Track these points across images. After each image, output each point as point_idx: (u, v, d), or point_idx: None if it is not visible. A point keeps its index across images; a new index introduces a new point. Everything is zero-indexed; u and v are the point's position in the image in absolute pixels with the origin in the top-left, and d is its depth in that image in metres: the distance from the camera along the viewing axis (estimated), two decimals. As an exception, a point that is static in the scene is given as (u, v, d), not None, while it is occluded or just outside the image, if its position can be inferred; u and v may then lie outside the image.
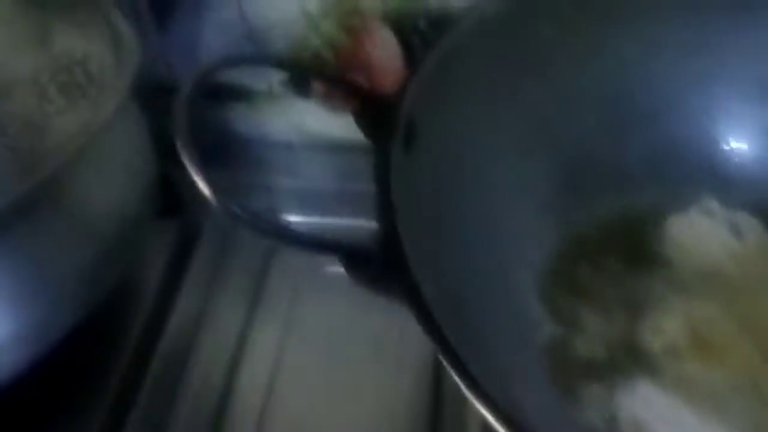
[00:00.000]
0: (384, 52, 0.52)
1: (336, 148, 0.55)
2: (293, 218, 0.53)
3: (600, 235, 0.45)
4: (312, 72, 0.52)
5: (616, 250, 0.44)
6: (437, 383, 0.45)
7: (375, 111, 0.37)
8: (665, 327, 0.40)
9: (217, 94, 0.54)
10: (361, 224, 0.45)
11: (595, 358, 0.40)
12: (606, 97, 0.47)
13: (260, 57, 0.51)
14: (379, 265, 0.31)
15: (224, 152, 0.55)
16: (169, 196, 0.50)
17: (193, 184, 0.52)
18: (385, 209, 0.33)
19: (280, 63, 0.49)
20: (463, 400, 0.28)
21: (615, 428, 0.37)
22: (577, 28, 0.45)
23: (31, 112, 0.32)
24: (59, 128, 0.32)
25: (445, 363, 0.29)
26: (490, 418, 0.28)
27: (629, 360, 0.39)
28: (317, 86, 0.52)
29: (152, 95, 0.55)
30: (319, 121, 0.54)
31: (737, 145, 0.47)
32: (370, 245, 0.31)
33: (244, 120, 0.56)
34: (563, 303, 0.42)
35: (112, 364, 0.43)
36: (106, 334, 0.44)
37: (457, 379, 0.29)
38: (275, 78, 0.53)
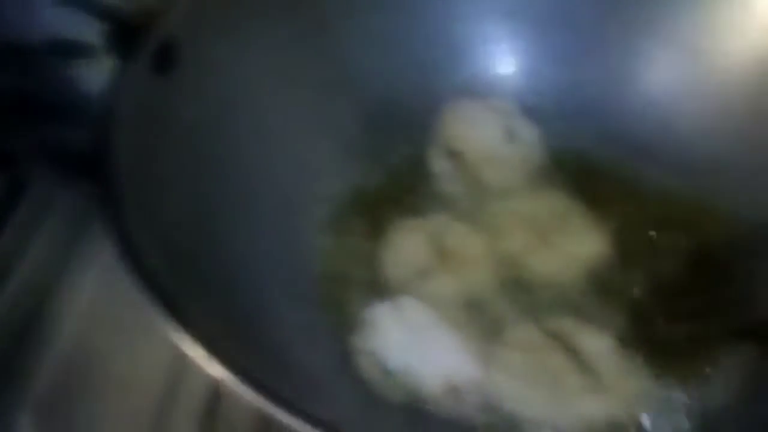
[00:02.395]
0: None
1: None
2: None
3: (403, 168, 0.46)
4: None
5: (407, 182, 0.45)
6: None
7: (130, 32, 0.38)
8: (405, 250, 0.41)
9: (58, 51, 0.55)
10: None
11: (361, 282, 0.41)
12: (413, 38, 0.48)
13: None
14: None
15: (72, 110, 0.57)
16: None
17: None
18: (106, 120, 0.34)
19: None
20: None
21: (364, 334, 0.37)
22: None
23: None
24: None
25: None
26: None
27: (384, 282, 0.40)
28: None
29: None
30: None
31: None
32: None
33: (86, 78, 0.56)
34: (349, 235, 0.43)
35: None
36: None
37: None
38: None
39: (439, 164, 0.46)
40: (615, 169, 0.45)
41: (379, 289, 0.40)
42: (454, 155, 0.46)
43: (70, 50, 0.55)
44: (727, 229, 0.41)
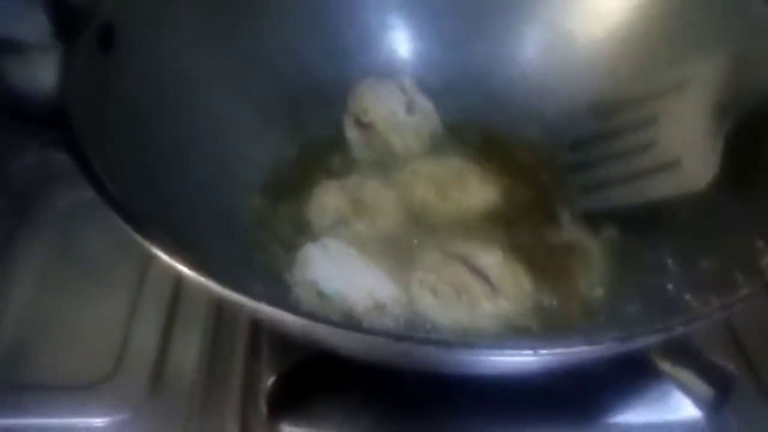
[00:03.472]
0: None
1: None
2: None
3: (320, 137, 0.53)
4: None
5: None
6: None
7: (71, 16, 0.43)
8: (328, 203, 0.48)
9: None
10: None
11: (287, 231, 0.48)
12: (327, 26, 0.55)
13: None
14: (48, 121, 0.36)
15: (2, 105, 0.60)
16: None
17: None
18: (64, 89, 0.39)
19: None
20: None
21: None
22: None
23: None
24: None
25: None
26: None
27: (309, 229, 0.47)
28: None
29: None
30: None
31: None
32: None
33: (19, 72, 0.60)
34: (276, 193, 0.50)
35: None
36: None
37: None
38: (44, 29, 0.58)
39: (351, 134, 0.53)
40: (501, 133, 0.54)
41: (305, 235, 0.47)
42: (364, 126, 0.53)
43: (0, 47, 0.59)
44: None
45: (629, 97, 0.48)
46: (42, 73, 0.61)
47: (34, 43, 0.59)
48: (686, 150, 0.43)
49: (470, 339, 0.39)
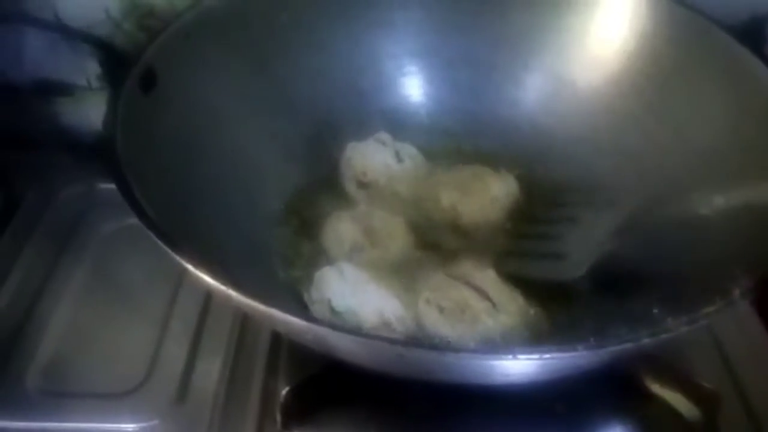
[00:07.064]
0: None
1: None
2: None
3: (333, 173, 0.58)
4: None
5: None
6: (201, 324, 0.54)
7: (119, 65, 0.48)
8: (342, 232, 0.52)
9: (44, 90, 0.65)
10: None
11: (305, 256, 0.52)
12: (345, 76, 0.60)
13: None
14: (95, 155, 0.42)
15: (55, 141, 0.66)
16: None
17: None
18: (109, 125, 0.44)
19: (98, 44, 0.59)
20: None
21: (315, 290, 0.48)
22: (313, 17, 0.58)
23: None
24: None
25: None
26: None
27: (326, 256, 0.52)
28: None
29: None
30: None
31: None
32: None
33: (70, 112, 0.66)
34: (296, 222, 0.55)
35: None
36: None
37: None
38: (92, 73, 0.64)
39: (358, 194, 0.57)
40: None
41: (323, 260, 0.51)
42: (367, 185, 0.57)
43: (54, 90, 0.66)
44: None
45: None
46: (90, 112, 0.67)
47: (83, 85, 0.66)
48: (578, 250, 0.48)
49: (455, 345, 0.42)
